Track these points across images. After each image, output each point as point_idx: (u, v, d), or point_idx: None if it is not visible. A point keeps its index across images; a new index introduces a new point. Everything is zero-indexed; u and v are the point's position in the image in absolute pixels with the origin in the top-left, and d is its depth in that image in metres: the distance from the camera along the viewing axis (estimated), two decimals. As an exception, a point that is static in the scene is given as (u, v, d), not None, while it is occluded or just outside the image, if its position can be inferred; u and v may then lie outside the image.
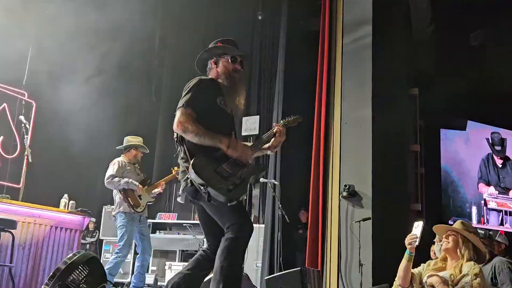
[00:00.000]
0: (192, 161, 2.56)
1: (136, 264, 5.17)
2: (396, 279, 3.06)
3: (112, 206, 7.73)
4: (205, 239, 2.88)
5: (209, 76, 2.88)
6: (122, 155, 5.31)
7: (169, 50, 8.84)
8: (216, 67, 2.87)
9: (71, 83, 7.54)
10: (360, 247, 6.06)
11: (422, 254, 4.35)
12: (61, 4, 7.82)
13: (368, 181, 6.49)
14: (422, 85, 8.07)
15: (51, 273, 2.01)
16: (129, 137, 5.37)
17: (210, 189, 2.49)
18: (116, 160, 5.23)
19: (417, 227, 2.96)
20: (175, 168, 5.21)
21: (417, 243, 2.90)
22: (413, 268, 3.04)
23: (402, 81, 7.50)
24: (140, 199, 5.10)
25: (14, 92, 7.87)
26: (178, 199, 2.80)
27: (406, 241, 2.95)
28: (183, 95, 2.67)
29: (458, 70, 8.54)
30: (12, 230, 4.63)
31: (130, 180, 5.06)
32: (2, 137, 7.67)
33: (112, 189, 5.11)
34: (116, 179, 5.02)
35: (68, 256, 2.10)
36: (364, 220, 6.15)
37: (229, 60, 2.86)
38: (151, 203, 5.33)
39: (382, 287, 5.24)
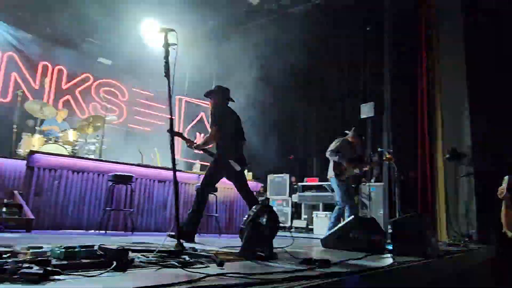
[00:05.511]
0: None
1: (334, 214, 5.93)
2: (503, 226, 3.29)
3: (274, 175, 9.51)
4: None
5: None
6: (348, 136, 6.03)
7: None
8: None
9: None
10: (466, 198, 6.37)
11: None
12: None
13: (468, 142, 6.70)
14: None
15: (245, 217, 2.83)
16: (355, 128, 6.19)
17: None
18: (339, 139, 5.92)
19: (505, 181, 3.31)
20: (388, 155, 6.12)
21: (504, 194, 3.22)
22: None
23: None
24: (345, 170, 5.77)
25: (207, 104, 9.74)
26: None
27: (498, 193, 3.31)
28: None
29: None
30: (216, 193, 6.66)
31: (341, 156, 5.72)
32: (202, 134, 10.44)
33: (329, 158, 5.88)
34: (333, 153, 5.75)
35: (253, 207, 2.87)
36: (468, 175, 6.48)
37: None
38: (357, 173, 5.93)
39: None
